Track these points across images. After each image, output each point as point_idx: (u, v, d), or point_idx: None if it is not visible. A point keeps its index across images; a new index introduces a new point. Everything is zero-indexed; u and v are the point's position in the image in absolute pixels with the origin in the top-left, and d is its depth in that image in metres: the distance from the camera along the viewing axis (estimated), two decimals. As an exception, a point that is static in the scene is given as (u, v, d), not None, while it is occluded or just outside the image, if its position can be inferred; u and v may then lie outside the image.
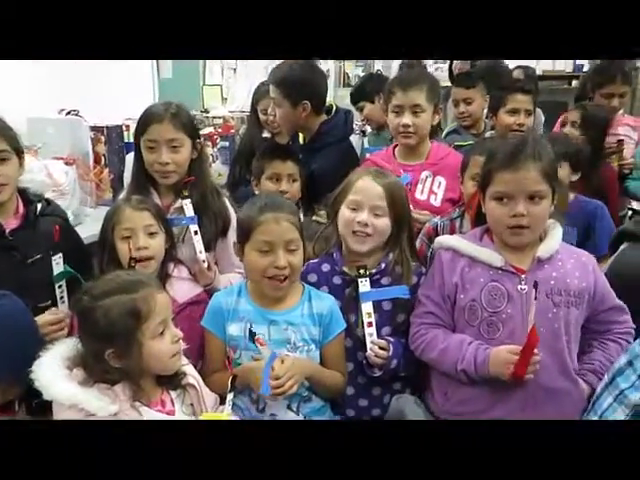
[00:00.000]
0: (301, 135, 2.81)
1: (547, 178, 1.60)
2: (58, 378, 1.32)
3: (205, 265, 1.96)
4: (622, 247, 2.03)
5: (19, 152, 1.83)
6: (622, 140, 2.93)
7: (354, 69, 6.40)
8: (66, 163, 2.93)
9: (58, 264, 1.80)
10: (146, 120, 1.99)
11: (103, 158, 3.30)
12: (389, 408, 1.79)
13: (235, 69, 5.22)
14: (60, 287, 1.82)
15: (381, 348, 1.75)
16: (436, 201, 2.26)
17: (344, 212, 1.79)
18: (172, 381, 1.49)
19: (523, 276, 1.63)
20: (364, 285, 1.77)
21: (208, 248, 2.03)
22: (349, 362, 1.81)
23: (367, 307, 1.78)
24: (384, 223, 1.77)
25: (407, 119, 2.23)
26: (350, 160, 2.58)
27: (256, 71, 4.78)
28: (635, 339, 1.68)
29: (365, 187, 1.77)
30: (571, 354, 1.66)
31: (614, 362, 1.65)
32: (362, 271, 1.78)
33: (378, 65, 6.20)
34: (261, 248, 1.66)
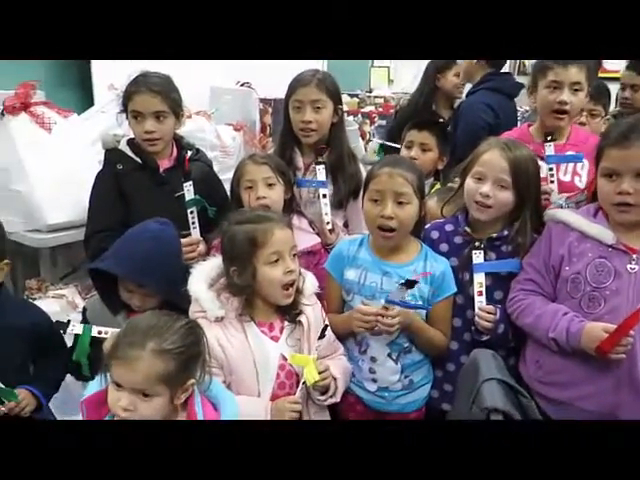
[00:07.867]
0: None
1: None
2: (198, 282, 1.67)
3: (329, 227, 2.16)
4: None
5: (177, 112, 2.16)
6: None
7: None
8: (235, 129, 3.32)
9: (189, 191, 2.05)
10: (295, 83, 2.25)
11: (268, 128, 3.64)
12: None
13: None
14: (192, 213, 2.07)
15: (489, 313, 1.81)
16: (581, 182, 2.18)
17: (469, 182, 1.87)
18: (289, 313, 1.72)
19: (634, 256, 1.62)
20: (478, 257, 1.84)
21: (340, 206, 2.25)
22: (458, 318, 1.89)
23: (479, 278, 1.84)
24: (506, 196, 1.81)
25: (566, 96, 2.13)
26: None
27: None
28: None
29: (490, 160, 1.83)
30: None
31: None
32: (477, 243, 1.85)
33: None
34: (372, 197, 1.81)
